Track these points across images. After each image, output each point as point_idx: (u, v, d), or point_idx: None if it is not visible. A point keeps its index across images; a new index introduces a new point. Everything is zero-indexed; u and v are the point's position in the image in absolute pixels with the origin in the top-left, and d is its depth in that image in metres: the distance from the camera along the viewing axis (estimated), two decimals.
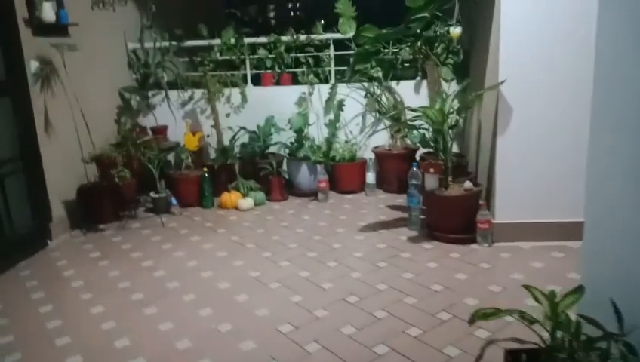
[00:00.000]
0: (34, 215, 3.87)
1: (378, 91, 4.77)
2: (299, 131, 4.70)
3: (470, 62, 4.32)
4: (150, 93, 5.14)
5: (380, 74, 4.67)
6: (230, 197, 4.59)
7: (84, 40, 4.37)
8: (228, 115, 5.05)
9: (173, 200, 4.55)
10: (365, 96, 4.83)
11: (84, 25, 4.31)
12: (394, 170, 4.56)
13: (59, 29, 4.02)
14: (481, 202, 3.35)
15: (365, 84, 4.81)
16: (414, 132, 4.32)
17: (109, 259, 3.54)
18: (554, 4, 3.06)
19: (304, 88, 4.97)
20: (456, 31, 3.77)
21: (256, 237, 3.81)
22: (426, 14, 4.30)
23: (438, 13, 4.38)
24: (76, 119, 4.22)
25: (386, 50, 4.70)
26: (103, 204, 4.30)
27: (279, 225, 4.06)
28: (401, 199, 4.39)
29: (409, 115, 4.09)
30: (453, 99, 3.61)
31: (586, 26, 2.95)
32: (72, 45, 4.20)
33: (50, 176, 3.96)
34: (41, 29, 3.84)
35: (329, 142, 4.80)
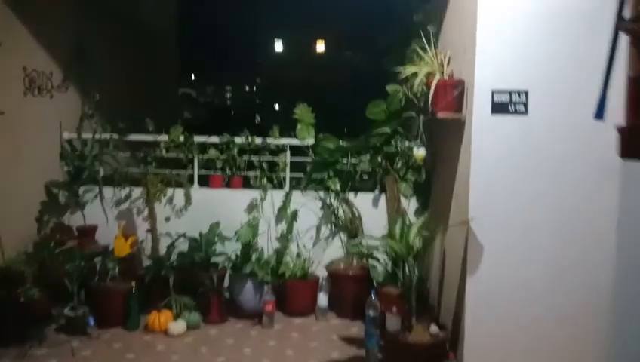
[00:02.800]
0: None
1: (335, 202, 4.40)
2: (246, 245, 4.21)
3: (432, 181, 4.04)
4: (82, 189, 4.58)
5: (338, 185, 4.32)
6: (159, 318, 3.94)
7: (10, 129, 3.87)
8: (167, 219, 4.53)
9: (91, 321, 3.87)
10: (321, 208, 4.45)
11: (11, 113, 3.83)
12: (349, 293, 4.09)
13: None
14: (449, 353, 2.89)
15: (321, 193, 4.45)
16: (377, 268, 3.89)
17: None
18: (536, 136, 2.83)
19: (256, 193, 4.56)
20: (420, 152, 3.52)
21: None
22: (387, 130, 4.11)
23: (399, 129, 4.18)
24: None
25: (345, 161, 4.40)
26: (4, 323, 3.58)
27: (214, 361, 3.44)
28: (356, 327, 3.88)
29: (370, 240, 3.67)
30: (417, 229, 3.23)
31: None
32: None
33: None
34: None
35: (279, 255, 4.32)
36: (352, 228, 4.29)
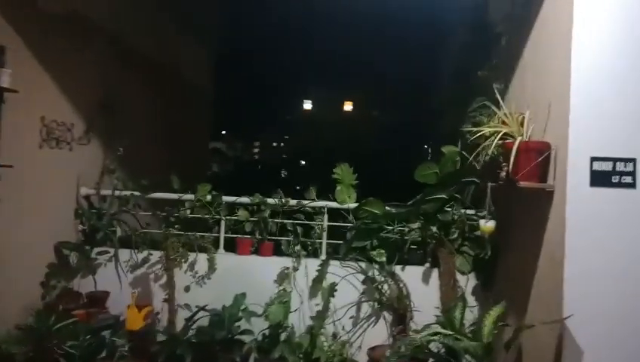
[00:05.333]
0: None
1: (379, 276, 3.83)
2: (276, 326, 3.65)
3: (499, 258, 3.46)
4: (95, 251, 4.11)
5: (383, 257, 3.77)
6: None
7: (20, 183, 3.48)
8: (188, 289, 4.01)
9: None
10: (363, 281, 3.88)
11: (23, 165, 3.45)
12: None
13: None
14: None
15: (363, 264, 3.90)
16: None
17: None
18: None
19: (288, 261, 4.04)
20: (488, 225, 2.97)
21: None
22: (443, 195, 3.61)
23: (455, 195, 3.68)
24: None
25: (391, 228, 3.87)
26: None
27: None
28: None
29: (426, 330, 3.07)
30: (493, 322, 2.64)
31: None
32: None
33: None
34: None
35: (313, 336, 3.73)
36: (399, 307, 3.70)
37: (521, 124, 2.72)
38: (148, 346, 3.77)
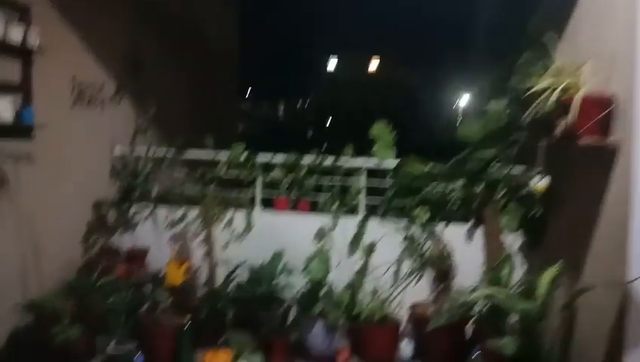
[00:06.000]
0: None
1: (419, 235, 3.78)
2: (316, 282, 3.65)
3: (550, 218, 3.34)
4: (133, 209, 4.13)
5: (425, 216, 3.69)
6: (217, 359, 3.43)
7: (56, 142, 3.45)
8: (226, 245, 4.01)
9: (139, 359, 3.39)
10: (404, 240, 3.83)
11: (58, 125, 3.43)
12: (440, 344, 3.43)
13: (18, 130, 3.10)
14: None
15: (403, 223, 3.83)
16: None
17: None
18: None
19: (326, 219, 3.99)
20: (541, 183, 2.86)
21: None
22: (488, 153, 3.50)
23: (504, 152, 3.55)
24: (28, 245, 3.20)
25: (432, 187, 3.78)
26: None
27: None
28: None
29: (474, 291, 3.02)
30: (550, 281, 2.56)
31: None
32: (33, 152, 3.26)
33: None
34: None
35: (353, 293, 3.73)
36: (440, 266, 3.66)
37: (581, 77, 2.56)
38: (188, 301, 3.83)
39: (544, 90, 2.65)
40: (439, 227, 3.75)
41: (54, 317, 3.13)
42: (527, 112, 2.92)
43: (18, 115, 3.03)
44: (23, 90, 3.19)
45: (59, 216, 3.61)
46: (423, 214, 3.64)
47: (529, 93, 2.81)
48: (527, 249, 3.47)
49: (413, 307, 3.69)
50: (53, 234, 3.53)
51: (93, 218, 4.04)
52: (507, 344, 2.45)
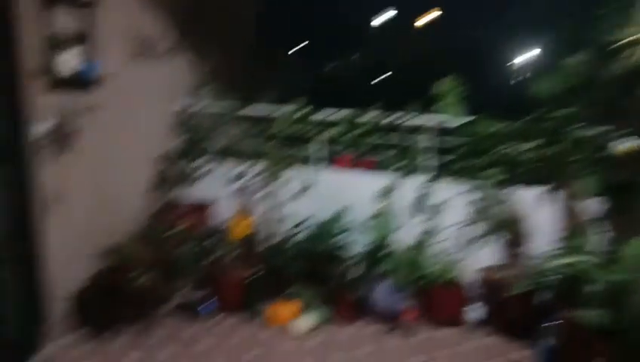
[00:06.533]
0: (24, 313, 2.88)
1: (491, 196, 3.62)
2: (380, 241, 3.59)
3: (637, 183, 3.11)
4: (195, 163, 4.14)
5: (496, 177, 3.52)
6: (283, 311, 3.48)
7: (116, 95, 3.44)
8: (288, 201, 3.98)
9: (208, 307, 3.49)
10: (472, 203, 3.68)
11: (119, 78, 3.41)
12: (513, 309, 3.32)
13: (83, 83, 3.10)
14: None
15: (472, 184, 3.68)
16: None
17: None
18: None
19: (389, 178, 3.89)
20: (626, 146, 2.63)
21: None
22: (568, 111, 3.26)
23: (582, 111, 3.31)
24: (95, 196, 3.26)
25: (504, 148, 3.58)
26: (115, 307, 3.25)
27: None
28: (516, 354, 3.15)
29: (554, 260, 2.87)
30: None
31: None
32: (98, 104, 3.26)
33: (51, 266, 2.98)
34: (58, 83, 2.95)
35: (417, 254, 3.65)
36: (511, 230, 3.52)
37: None
38: (251, 254, 3.87)
39: (632, 42, 2.40)
40: (512, 189, 3.58)
41: (131, 263, 3.23)
42: (611, 67, 2.69)
43: (84, 67, 3.02)
44: (88, 42, 3.16)
45: (124, 168, 3.64)
46: (495, 175, 3.47)
47: (614, 45, 2.57)
48: (613, 215, 3.26)
49: (484, 270, 3.57)
50: (120, 187, 3.57)
51: (157, 171, 4.07)
52: (596, 316, 2.32)
